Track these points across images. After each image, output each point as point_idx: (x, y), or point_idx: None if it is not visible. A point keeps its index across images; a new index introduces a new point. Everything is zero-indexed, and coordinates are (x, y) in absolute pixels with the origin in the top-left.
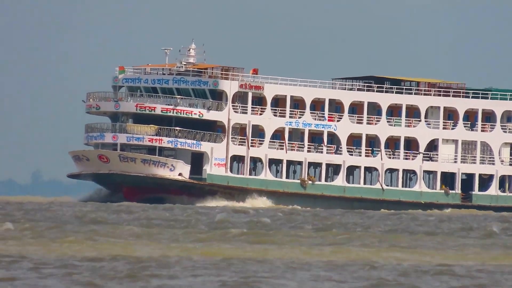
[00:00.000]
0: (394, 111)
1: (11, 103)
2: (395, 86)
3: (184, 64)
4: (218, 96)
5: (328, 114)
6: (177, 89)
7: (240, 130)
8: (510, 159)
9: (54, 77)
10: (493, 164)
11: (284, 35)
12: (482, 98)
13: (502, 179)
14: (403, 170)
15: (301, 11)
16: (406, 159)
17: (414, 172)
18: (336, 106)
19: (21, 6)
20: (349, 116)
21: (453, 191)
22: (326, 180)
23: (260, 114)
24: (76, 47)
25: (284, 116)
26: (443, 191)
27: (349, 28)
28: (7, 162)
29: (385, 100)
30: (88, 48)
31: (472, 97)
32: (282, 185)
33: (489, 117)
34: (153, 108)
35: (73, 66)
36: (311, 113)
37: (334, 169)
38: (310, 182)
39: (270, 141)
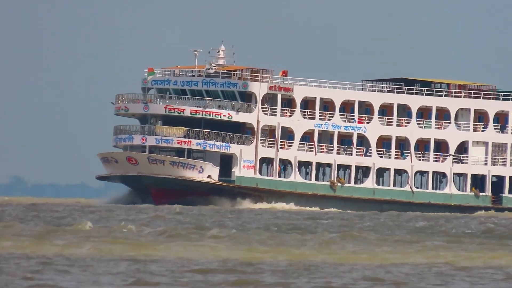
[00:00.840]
0: (424, 113)
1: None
2: (425, 88)
3: (214, 66)
4: (247, 98)
5: (358, 116)
6: (206, 91)
7: (269, 132)
8: None
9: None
10: None
11: (313, 36)
12: None
13: None
14: (433, 172)
15: (331, 13)
16: (436, 161)
17: (444, 174)
18: (366, 108)
19: (48, 5)
20: (379, 118)
21: (484, 194)
22: (355, 183)
23: (290, 116)
24: (105, 48)
25: (313, 118)
26: (473, 193)
27: (379, 30)
28: (79, 167)
29: (415, 102)
30: (117, 49)
31: (503, 99)
32: (311, 187)
33: None
34: (182, 110)
35: (103, 69)
36: (340, 115)
37: (363, 171)
38: (339, 184)
39: (299, 143)
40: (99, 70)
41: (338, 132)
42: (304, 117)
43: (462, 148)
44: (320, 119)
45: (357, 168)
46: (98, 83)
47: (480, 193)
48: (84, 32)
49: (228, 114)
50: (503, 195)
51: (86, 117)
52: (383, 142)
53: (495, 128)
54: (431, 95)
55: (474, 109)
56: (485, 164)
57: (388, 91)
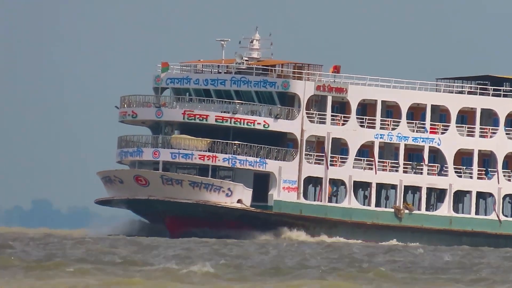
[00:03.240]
0: None
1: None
2: None
3: (246, 60)
4: (288, 101)
5: (430, 125)
6: (236, 92)
7: (316, 144)
8: None
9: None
10: None
11: (373, 22)
12: None
13: None
14: None
15: None
16: None
17: None
18: (440, 114)
19: None
20: (457, 127)
21: None
22: (427, 209)
23: (343, 124)
24: (106, 37)
25: (373, 127)
26: None
27: (458, 13)
28: (78, 189)
29: (504, 106)
30: (123, 39)
31: None
32: (371, 215)
33: None
34: (205, 117)
35: (103, 64)
36: (408, 123)
37: (437, 194)
38: (406, 211)
39: (355, 159)
40: (100, 65)
41: (405, 145)
42: (362, 126)
43: None
44: (381, 128)
45: (429, 190)
46: (98, 81)
47: None
48: (81, 17)
49: (264, 121)
50: None
51: (83, 124)
52: (463, 158)
53: None
54: None
55: None
56: None
57: (469, 93)
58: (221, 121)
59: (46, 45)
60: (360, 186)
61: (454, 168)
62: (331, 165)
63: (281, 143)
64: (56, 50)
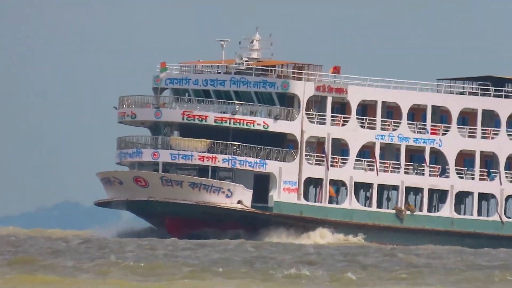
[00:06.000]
0: None
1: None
2: None
3: (246, 60)
4: (288, 101)
5: (431, 126)
6: (235, 92)
7: (317, 145)
8: None
9: (83, 78)
10: None
11: (373, 23)
12: None
13: None
14: None
15: None
16: None
17: None
18: (441, 115)
19: None
20: (458, 128)
21: None
22: (429, 210)
23: (343, 124)
24: (106, 37)
25: (374, 128)
26: None
27: (459, 14)
28: (74, 189)
29: (505, 107)
30: (122, 39)
31: None
32: (371, 216)
33: None
34: (204, 117)
35: (102, 64)
36: (409, 124)
37: (439, 196)
38: (408, 212)
39: (356, 160)
40: (99, 65)
41: (406, 146)
42: (362, 126)
43: None
44: (382, 129)
45: (431, 191)
46: (97, 82)
47: None
48: (79, 18)
49: (264, 122)
50: None
51: (81, 125)
52: (464, 159)
53: None
54: None
55: None
56: None
57: (471, 93)
58: (220, 121)
59: (45, 45)
60: (361, 187)
61: (456, 169)
62: (332, 166)
63: (281, 144)
64: (55, 51)
